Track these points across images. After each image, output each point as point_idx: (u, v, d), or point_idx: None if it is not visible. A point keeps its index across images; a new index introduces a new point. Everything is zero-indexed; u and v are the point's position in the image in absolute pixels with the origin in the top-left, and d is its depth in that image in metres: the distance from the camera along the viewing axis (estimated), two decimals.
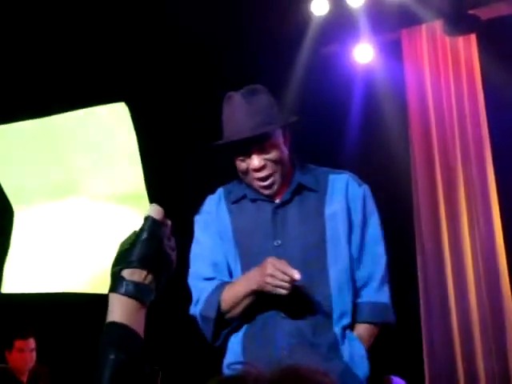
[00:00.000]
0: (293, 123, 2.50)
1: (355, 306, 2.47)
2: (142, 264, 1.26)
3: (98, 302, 1.35)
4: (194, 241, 2.61)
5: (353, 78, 6.06)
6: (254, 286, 2.32)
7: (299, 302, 2.33)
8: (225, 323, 2.47)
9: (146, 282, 1.26)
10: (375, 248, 2.53)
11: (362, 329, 2.47)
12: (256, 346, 2.40)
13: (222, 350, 2.55)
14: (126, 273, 1.25)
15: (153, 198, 1.39)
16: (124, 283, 1.24)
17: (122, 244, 1.29)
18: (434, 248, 5.71)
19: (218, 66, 5.85)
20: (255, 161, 2.40)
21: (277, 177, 2.44)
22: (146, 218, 1.29)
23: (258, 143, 2.38)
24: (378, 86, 5.93)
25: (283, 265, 2.23)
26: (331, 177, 2.54)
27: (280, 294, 2.25)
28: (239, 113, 2.39)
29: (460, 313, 5.56)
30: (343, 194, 2.50)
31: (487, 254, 5.50)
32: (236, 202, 2.56)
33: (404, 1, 5.58)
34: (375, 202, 2.58)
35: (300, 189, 2.50)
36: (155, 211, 1.30)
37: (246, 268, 2.47)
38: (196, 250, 2.59)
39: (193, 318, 2.54)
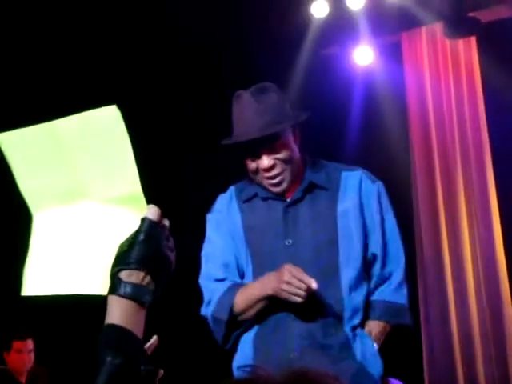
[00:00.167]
0: (302, 121, 2.46)
1: (369, 304, 2.45)
2: (139, 265, 1.25)
3: (97, 303, 1.35)
4: (206, 239, 2.60)
5: (353, 80, 6.06)
6: (269, 291, 2.31)
7: (310, 304, 2.30)
8: (236, 325, 2.46)
9: (144, 283, 1.25)
10: (395, 246, 2.51)
11: (373, 325, 2.44)
12: (267, 348, 2.40)
13: (231, 351, 2.54)
14: (124, 274, 1.25)
15: (153, 198, 1.39)
16: (122, 285, 1.24)
17: (121, 246, 1.29)
18: (434, 253, 5.71)
19: (217, 67, 5.85)
20: (265, 161, 2.38)
21: (286, 175, 2.41)
22: (143, 220, 1.30)
23: (267, 143, 2.36)
24: (377, 89, 5.92)
25: (300, 272, 2.22)
26: (344, 174, 2.51)
27: (295, 301, 2.24)
28: (248, 112, 2.36)
29: (460, 319, 5.56)
30: (356, 191, 2.47)
31: (487, 260, 5.50)
32: (247, 200, 2.54)
33: (404, 3, 5.58)
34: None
35: (311, 187, 2.48)
36: (152, 212, 1.30)
37: (257, 268, 2.46)
38: (208, 250, 2.58)
39: (204, 319, 2.53)
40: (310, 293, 2.22)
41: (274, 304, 2.35)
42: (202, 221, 2.65)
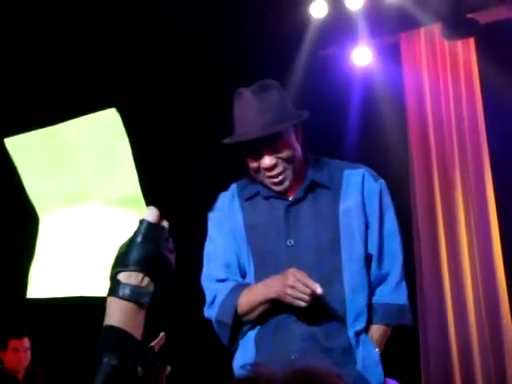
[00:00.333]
0: (304, 120, 2.44)
1: (370, 306, 2.43)
2: (138, 267, 1.26)
3: (96, 304, 1.36)
4: (208, 238, 2.59)
5: (351, 80, 6.05)
6: (272, 295, 2.30)
7: (312, 305, 2.28)
8: (241, 327, 2.45)
9: (143, 284, 1.26)
10: (392, 245, 2.49)
11: (374, 330, 2.43)
12: (267, 349, 2.38)
13: (231, 351, 2.53)
14: (123, 276, 1.26)
15: (153, 199, 1.40)
16: (121, 286, 1.25)
17: (120, 248, 1.30)
18: (431, 253, 5.71)
19: (217, 67, 5.85)
20: (267, 160, 2.36)
21: (288, 174, 2.39)
22: (141, 221, 1.30)
23: (269, 142, 2.34)
24: (376, 89, 5.92)
25: (304, 277, 2.21)
26: (346, 171, 2.49)
27: (299, 305, 2.23)
28: (249, 111, 2.34)
29: (457, 322, 5.55)
30: (359, 190, 2.45)
31: (484, 259, 5.50)
32: (249, 199, 2.52)
33: (403, 4, 5.58)
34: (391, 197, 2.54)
35: (313, 186, 2.46)
36: (151, 214, 1.31)
37: (259, 267, 2.45)
38: (209, 249, 2.56)
39: (206, 320, 2.52)
40: (314, 297, 2.21)
41: (275, 305, 2.34)
42: (202, 221, 2.64)
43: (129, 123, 1.39)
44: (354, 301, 2.38)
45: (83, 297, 1.39)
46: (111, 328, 1.22)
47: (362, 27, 5.80)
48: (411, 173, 5.90)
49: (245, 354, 2.43)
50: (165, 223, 1.33)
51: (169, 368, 1.30)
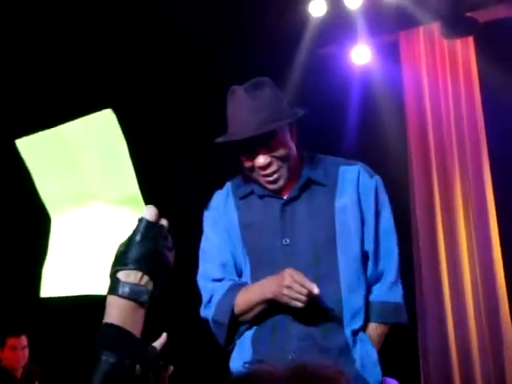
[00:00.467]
0: (299, 118, 2.41)
1: (367, 305, 2.42)
2: (136, 265, 1.27)
3: (96, 302, 1.36)
4: (204, 237, 2.57)
5: (350, 79, 6.05)
6: (268, 295, 2.29)
7: (309, 305, 2.25)
8: (237, 326, 2.43)
9: (142, 283, 1.27)
10: (388, 242, 2.47)
11: (372, 329, 2.42)
12: (264, 349, 2.37)
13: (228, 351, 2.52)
14: (122, 274, 1.27)
15: (151, 198, 1.40)
16: (120, 285, 1.26)
17: (119, 247, 1.31)
18: (430, 253, 5.71)
19: (215, 67, 5.85)
20: (261, 159, 2.34)
21: (283, 172, 2.37)
22: (140, 220, 1.31)
23: (263, 141, 2.32)
24: (375, 88, 5.92)
25: (301, 277, 2.19)
26: (341, 168, 2.47)
27: (295, 306, 2.22)
28: (243, 109, 2.31)
29: (456, 320, 5.55)
30: (354, 186, 2.43)
31: (484, 258, 5.51)
32: (244, 197, 2.50)
33: (401, 3, 5.58)
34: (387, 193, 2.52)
35: (309, 184, 2.44)
36: (149, 213, 1.32)
37: (255, 267, 2.44)
38: (205, 248, 2.55)
39: (203, 320, 2.51)
40: (311, 298, 2.20)
41: (272, 305, 2.33)
42: (200, 220, 2.63)
43: (129, 123, 1.39)
44: (350, 299, 2.37)
45: (84, 295, 1.40)
46: (110, 326, 1.23)
47: (361, 26, 5.80)
48: (410, 171, 5.90)
49: (242, 354, 2.42)
50: (163, 221, 1.34)
51: (171, 368, 1.31)
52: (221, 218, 2.51)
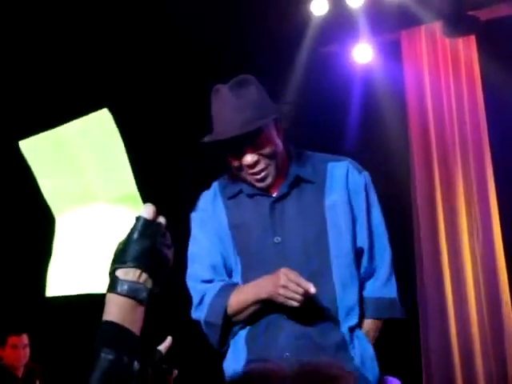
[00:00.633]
0: (284, 114, 2.42)
1: (361, 301, 2.42)
2: (135, 263, 1.27)
3: (96, 300, 1.37)
4: (191, 238, 2.54)
5: (352, 78, 6.05)
6: (263, 295, 2.28)
7: (304, 303, 2.23)
8: (231, 327, 2.41)
9: (141, 280, 1.28)
10: (380, 239, 2.48)
11: (368, 325, 2.42)
12: (260, 349, 2.35)
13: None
14: (121, 272, 1.28)
15: (150, 196, 1.41)
16: (119, 283, 1.27)
17: (118, 245, 1.32)
18: (432, 250, 5.70)
19: (217, 66, 5.84)
20: (248, 157, 2.31)
21: (271, 170, 2.35)
22: (138, 218, 1.32)
23: (249, 139, 2.29)
24: (377, 87, 5.92)
25: (297, 276, 2.18)
26: (330, 165, 2.46)
27: (291, 305, 2.20)
28: (227, 108, 2.29)
29: (459, 319, 5.55)
30: (343, 183, 2.42)
31: (486, 257, 5.51)
32: (232, 197, 2.48)
33: (403, 1, 5.58)
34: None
35: (297, 181, 2.42)
36: (146, 210, 1.32)
37: (246, 267, 2.42)
38: (193, 249, 2.52)
39: (195, 321, 2.48)
40: (307, 297, 2.18)
41: (266, 305, 2.31)
42: None
43: (128, 123, 1.39)
44: (344, 296, 2.36)
45: (88, 294, 1.41)
46: (109, 324, 1.24)
47: (362, 24, 5.80)
48: (412, 170, 5.89)
49: (236, 355, 2.41)
50: (161, 219, 1.34)
51: (176, 371, 1.31)
52: (209, 218, 2.49)
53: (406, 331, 5.45)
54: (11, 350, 5.18)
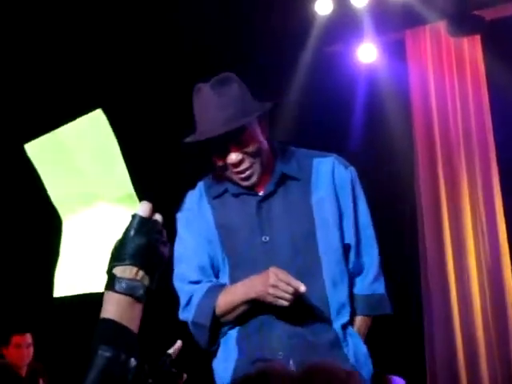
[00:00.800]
0: (267, 111, 2.37)
1: (352, 297, 2.41)
2: (131, 261, 1.28)
3: (97, 299, 1.37)
4: (178, 239, 2.49)
5: (356, 77, 6.05)
6: (252, 295, 2.25)
7: (294, 302, 2.22)
8: (219, 327, 2.39)
9: (138, 277, 1.28)
10: (367, 234, 2.46)
11: (359, 322, 2.41)
12: (252, 348, 2.34)
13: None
14: (118, 270, 1.29)
15: (149, 195, 1.42)
16: (116, 281, 1.27)
17: (115, 243, 1.33)
18: (437, 250, 5.69)
19: (221, 65, 5.82)
20: (233, 156, 2.29)
21: (256, 168, 2.33)
22: (133, 216, 1.32)
23: (233, 138, 2.27)
24: (381, 86, 5.92)
25: (286, 275, 2.16)
26: (315, 160, 2.43)
27: (282, 305, 2.19)
28: (209, 107, 2.27)
29: (463, 318, 5.53)
30: (329, 179, 2.40)
31: (491, 257, 5.49)
32: (218, 197, 2.45)
33: (408, 1, 5.57)
34: (362, 186, 2.49)
35: (283, 179, 2.40)
36: (142, 208, 1.33)
37: (234, 266, 2.40)
38: (180, 250, 2.48)
39: (183, 322, 2.46)
40: (297, 296, 2.17)
41: (257, 304, 2.29)
42: None
43: (128, 122, 1.39)
44: (335, 293, 2.35)
45: (93, 293, 1.41)
46: (107, 321, 1.25)
47: (367, 24, 5.80)
48: (416, 169, 5.87)
49: (227, 355, 2.39)
50: (157, 216, 1.35)
51: (185, 375, 1.31)
52: (195, 218, 2.46)
53: (410, 331, 5.45)
54: (15, 349, 5.18)
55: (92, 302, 1.67)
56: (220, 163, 2.34)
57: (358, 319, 2.42)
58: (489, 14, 5.55)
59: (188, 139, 2.34)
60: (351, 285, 2.42)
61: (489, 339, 5.44)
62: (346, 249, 2.41)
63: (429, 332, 5.62)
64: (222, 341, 2.41)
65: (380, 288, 2.47)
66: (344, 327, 2.36)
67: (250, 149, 2.30)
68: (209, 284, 2.39)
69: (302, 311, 2.29)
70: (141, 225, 1.31)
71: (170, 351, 1.46)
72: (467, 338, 5.49)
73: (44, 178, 1.47)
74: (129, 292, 1.26)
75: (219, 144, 2.29)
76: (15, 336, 5.20)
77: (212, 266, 2.43)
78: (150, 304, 1.35)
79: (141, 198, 1.39)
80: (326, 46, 6.06)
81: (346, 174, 2.43)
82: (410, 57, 6.05)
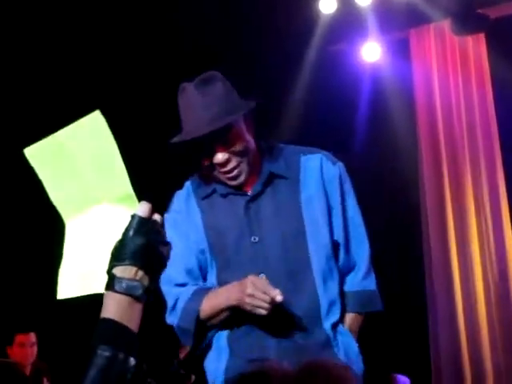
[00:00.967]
0: (253, 109, 2.32)
1: (342, 295, 2.38)
2: (131, 261, 1.28)
3: (99, 299, 1.37)
4: None
5: (360, 76, 6.06)
6: (233, 302, 2.22)
7: (285, 304, 2.19)
8: (205, 332, 2.37)
9: (137, 277, 1.29)
10: (357, 230, 2.43)
11: (350, 320, 2.38)
12: (243, 349, 2.31)
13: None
14: (118, 270, 1.29)
15: (148, 195, 1.41)
16: (116, 281, 1.27)
17: (115, 243, 1.33)
18: (441, 249, 5.69)
19: (225, 64, 5.82)
20: (219, 155, 2.25)
21: (243, 167, 2.29)
22: (133, 216, 1.33)
23: (219, 137, 2.24)
24: (385, 85, 5.93)
25: (264, 284, 2.13)
26: (303, 157, 2.40)
27: (260, 314, 2.15)
28: (194, 106, 2.24)
29: (467, 316, 5.53)
30: (318, 176, 2.37)
31: (496, 256, 5.50)
32: (206, 197, 2.42)
33: (412, 0, 5.57)
34: (352, 182, 2.46)
35: (271, 178, 2.37)
36: (141, 208, 1.34)
37: (222, 268, 2.37)
38: None
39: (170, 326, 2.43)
40: (275, 305, 2.12)
41: (237, 311, 2.26)
42: None
43: (128, 122, 1.39)
44: (326, 291, 2.32)
45: (96, 294, 1.41)
46: (107, 321, 1.25)
47: (371, 23, 5.81)
48: (420, 167, 5.88)
49: (218, 354, 2.37)
50: (157, 217, 1.36)
51: (193, 377, 1.31)
52: (183, 220, 2.42)
53: (415, 329, 5.44)
54: (18, 348, 5.18)
55: (96, 301, 1.67)
56: (207, 163, 2.31)
57: (349, 316, 2.39)
58: (493, 12, 5.56)
59: (174, 139, 2.30)
60: (342, 282, 2.39)
61: (493, 338, 5.43)
62: (335, 246, 2.39)
63: (433, 331, 5.61)
64: (214, 340, 2.39)
65: (371, 284, 2.44)
66: (334, 326, 2.33)
67: (237, 148, 2.27)
68: (194, 287, 2.37)
69: (293, 311, 2.27)
70: (140, 225, 1.31)
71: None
72: (472, 337, 5.49)
73: (45, 181, 1.47)
74: (128, 292, 1.27)
75: (205, 144, 2.26)
76: (19, 335, 5.19)
77: (200, 269, 2.41)
78: (150, 304, 1.35)
79: (140, 198, 1.39)
80: (330, 45, 6.07)
81: (334, 170, 2.40)
82: (414, 55, 6.06)
